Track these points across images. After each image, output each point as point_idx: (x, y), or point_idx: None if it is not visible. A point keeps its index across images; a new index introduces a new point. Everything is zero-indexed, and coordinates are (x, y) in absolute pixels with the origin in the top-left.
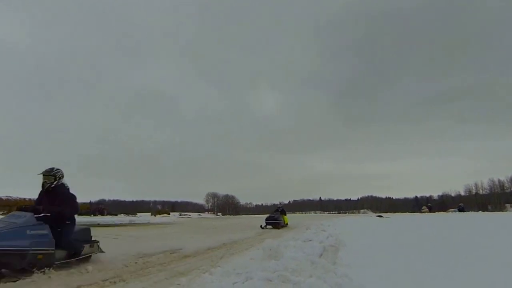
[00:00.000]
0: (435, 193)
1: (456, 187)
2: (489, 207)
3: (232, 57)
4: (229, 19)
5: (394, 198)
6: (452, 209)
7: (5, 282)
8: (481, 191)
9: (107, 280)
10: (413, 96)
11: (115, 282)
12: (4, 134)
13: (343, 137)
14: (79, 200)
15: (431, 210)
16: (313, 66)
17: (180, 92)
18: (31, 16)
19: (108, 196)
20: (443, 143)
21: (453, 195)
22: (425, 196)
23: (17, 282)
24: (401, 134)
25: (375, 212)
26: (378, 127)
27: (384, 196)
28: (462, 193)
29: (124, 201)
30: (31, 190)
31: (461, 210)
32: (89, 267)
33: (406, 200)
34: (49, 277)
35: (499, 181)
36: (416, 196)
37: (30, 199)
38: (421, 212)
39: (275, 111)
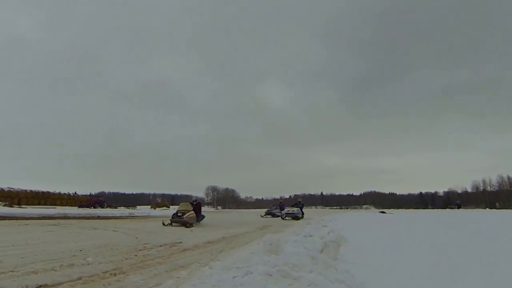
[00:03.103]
0: (441, 190)
1: (463, 184)
2: (497, 204)
3: (240, 51)
4: (237, 12)
5: (398, 194)
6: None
7: None
8: (489, 187)
9: (107, 272)
10: (422, 90)
11: (115, 274)
12: (11, 127)
13: (349, 131)
14: (79, 192)
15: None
16: (322, 60)
17: (186, 85)
18: (42, 11)
19: (108, 188)
20: (451, 137)
21: (459, 191)
22: (430, 193)
23: None
24: (408, 128)
25: (378, 208)
26: (385, 121)
27: (387, 192)
28: (469, 190)
29: (124, 193)
30: (35, 183)
31: (298, 207)
32: (90, 259)
33: (410, 196)
34: (52, 268)
35: (508, 177)
36: (420, 192)
37: (31, 191)
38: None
39: (282, 105)
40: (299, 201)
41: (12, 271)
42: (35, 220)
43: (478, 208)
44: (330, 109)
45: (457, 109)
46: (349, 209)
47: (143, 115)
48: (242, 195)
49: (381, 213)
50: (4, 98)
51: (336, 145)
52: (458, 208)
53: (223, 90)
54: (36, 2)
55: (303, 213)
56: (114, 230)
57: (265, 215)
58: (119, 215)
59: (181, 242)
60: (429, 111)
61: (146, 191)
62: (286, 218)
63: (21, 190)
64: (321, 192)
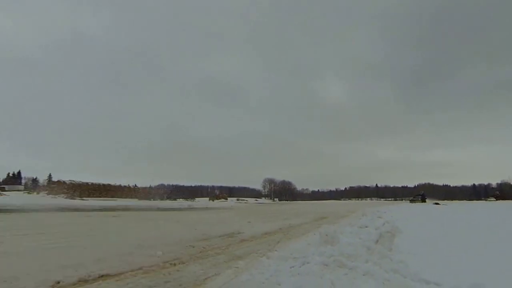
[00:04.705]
0: (494, 181)
1: None
2: None
3: (298, 46)
4: (295, 8)
5: (451, 185)
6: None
7: None
8: None
9: (167, 262)
10: (477, 84)
11: (175, 264)
12: (74, 122)
13: (405, 125)
14: (139, 184)
15: None
16: (379, 55)
17: (245, 81)
18: (105, 10)
19: (167, 181)
20: (505, 130)
21: None
22: (483, 184)
23: None
24: (463, 121)
25: (432, 200)
26: (440, 115)
27: (441, 184)
28: None
29: (183, 186)
30: (97, 175)
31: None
32: (150, 249)
33: (463, 187)
34: (113, 258)
35: None
36: (474, 184)
37: (92, 183)
38: None
39: (339, 100)
40: None
41: (75, 261)
42: (96, 212)
43: None
44: (386, 103)
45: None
46: (403, 200)
47: (203, 110)
48: (299, 187)
49: (435, 204)
50: (67, 94)
51: (390, 139)
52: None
53: (281, 85)
54: (100, 1)
55: None
56: (173, 222)
57: None
58: (178, 207)
59: (238, 233)
60: (483, 105)
61: (205, 184)
62: None
63: (83, 182)
64: (376, 184)
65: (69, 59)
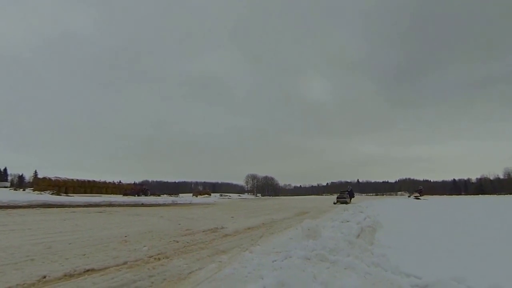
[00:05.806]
0: (474, 176)
1: (496, 171)
2: None
3: (281, 44)
4: (278, 7)
5: (432, 180)
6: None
7: None
8: None
9: (152, 256)
10: (456, 81)
11: (159, 259)
12: (59, 119)
13: (386, 121)
14: (124, 181)
15: None
16: (361, 53)
17: (230, 79)
18: (96, 11)
19: (152, 177)
20: (485, 125)
21: (491, 178)
22: (463, 179)
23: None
24: (442, 117)
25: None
26: (421, 111)
27: (422, 179)
28: (501, 176)
29: (167, 182)
30: (82, 172)
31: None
32: (135, 244)
33: (444, 182)
34: (98, 253)
35: None
36: (454, 179)
37: (77, 180)
38: None
39: (322, 97)
40: None
41: (61, 256)
42: (81, 208)
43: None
44: (367, 100)
45: (490, 99)
46: (384, 195)
47: (187, 107)
48: (281, 182)
49: (415, 199)
50: (55, 92)
51: (372, 135)
52: None
53: (265, 82)
54: (88, 2)
55: None
56: (157, 217)
57: None
58: (162, 203)
59: (222, 228)
60: (463, 101)
61: (188, 179)
62: None
63: (68, 179)
64: (357, 180)
65: (58, 58)
